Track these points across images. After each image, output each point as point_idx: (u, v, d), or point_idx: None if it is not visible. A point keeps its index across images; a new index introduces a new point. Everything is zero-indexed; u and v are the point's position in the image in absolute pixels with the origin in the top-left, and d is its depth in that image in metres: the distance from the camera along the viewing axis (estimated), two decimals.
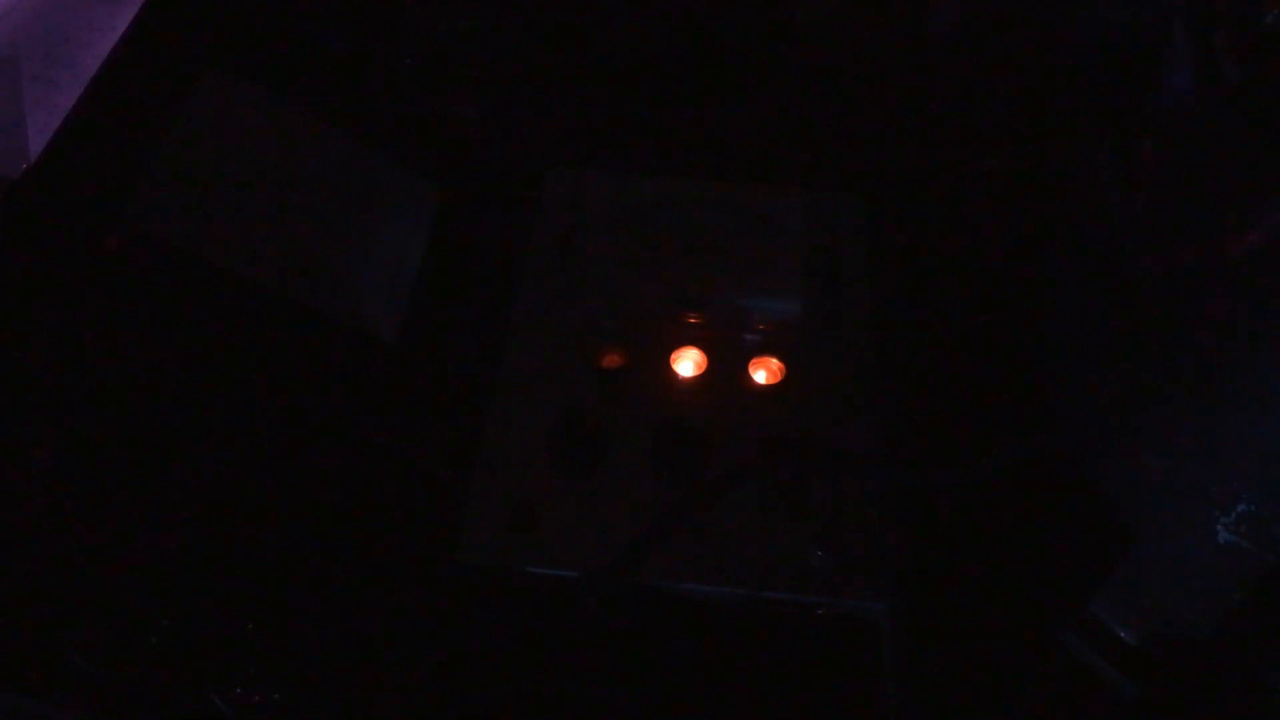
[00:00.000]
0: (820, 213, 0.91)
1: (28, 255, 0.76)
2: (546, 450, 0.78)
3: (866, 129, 1.00)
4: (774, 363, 0.83)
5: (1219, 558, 0.69)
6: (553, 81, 1.03)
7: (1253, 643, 0.70)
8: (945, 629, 0.74)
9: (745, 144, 0.99)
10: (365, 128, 0.93)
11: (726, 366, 0.83)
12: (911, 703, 0.70)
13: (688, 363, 0.84)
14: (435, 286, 0.88)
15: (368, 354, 0.83)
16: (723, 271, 0.87)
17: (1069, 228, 0.88)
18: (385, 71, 1.00)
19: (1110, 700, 0.72)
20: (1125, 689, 0.72)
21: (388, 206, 0.90)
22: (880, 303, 0.87)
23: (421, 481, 0.79)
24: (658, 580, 0.73)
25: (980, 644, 0.74)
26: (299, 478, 0.76)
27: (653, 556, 0.74)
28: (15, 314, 0.74)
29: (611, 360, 0.84)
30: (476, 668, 0.72)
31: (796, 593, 0.73)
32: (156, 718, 0.67)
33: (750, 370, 0.83)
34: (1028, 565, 0.76)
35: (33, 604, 0.67)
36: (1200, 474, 0.70)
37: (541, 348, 0.84)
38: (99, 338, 0.75)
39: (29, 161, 0.78)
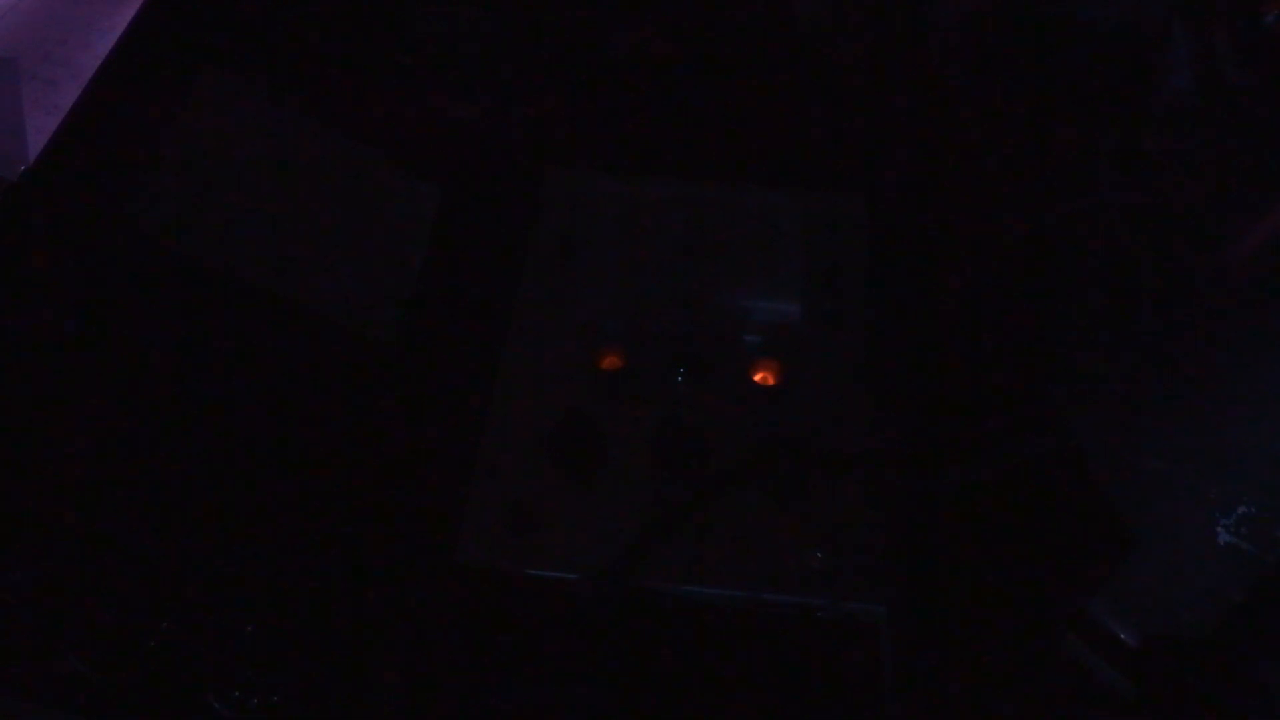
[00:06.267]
0: (820, 213, 0.91)
1: (28, 255, 0.76)
2: (546, 451, 0.78)
3: (866, 129, 1.00)
4: (774, 363, 0.83)
5: (1219, 559, 0.69)
6: (553, 81, 1.03)
7: (1253, 643, 0.70)
8: (945, 629, 0.74)
9: (745, 144, 0.99)
10: (365, 128, 0.93)
11: (726, 367, 0.83)
12: (911, 703, 0.70)
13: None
14: (435, 286, 0.88)
15: (367, 354, 0.83)
16: (723, 272, 0.87)
17: (1069, 228, 0.88)
18: (385, 71, 1.00)
19: (1110, 700, 0.72)
20: (1125, 689, 0.72)
21: (388, 206, 0.90)
22: (880, 303, 0.87)
23: (420, 482, 0.79)
24: (658, 582, 0.73)
25: (980, 644, 0.74)
26: (298, 478, 0.76)
27: (652, 558, 0.74)
28: (15, 314, 0.74)
29: (611, 360, 0.84)
30: (476, 668, 0.72)
31: (796, 594, 0.73)
32: None
33: (750, 370, 0.83)
34: (1028, 565, 0.76)
35: (32, 607, 0.67)
36: (1200, 475, 0.70)
37: (541, 348, 0.84)
38: (98, 338, 0.75)
39: (28, 163, 0.78)
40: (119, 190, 0.79)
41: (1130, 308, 0.77)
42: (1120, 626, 0.72)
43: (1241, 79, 0.78)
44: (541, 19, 1.06)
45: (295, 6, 0.97)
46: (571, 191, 0.93)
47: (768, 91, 1.03)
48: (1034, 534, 0.77)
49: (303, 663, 0.70)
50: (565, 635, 0.72)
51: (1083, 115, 0.96)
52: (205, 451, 0.75)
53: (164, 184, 0.81)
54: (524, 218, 0.92)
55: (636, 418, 0.80)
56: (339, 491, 0.77)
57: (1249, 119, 0.78)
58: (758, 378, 0.83)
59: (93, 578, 0.69)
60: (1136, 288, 0.77)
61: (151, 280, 0.78)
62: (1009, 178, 0.96)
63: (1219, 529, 0.68)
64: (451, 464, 0.79)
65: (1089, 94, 0.97)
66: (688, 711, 0.70)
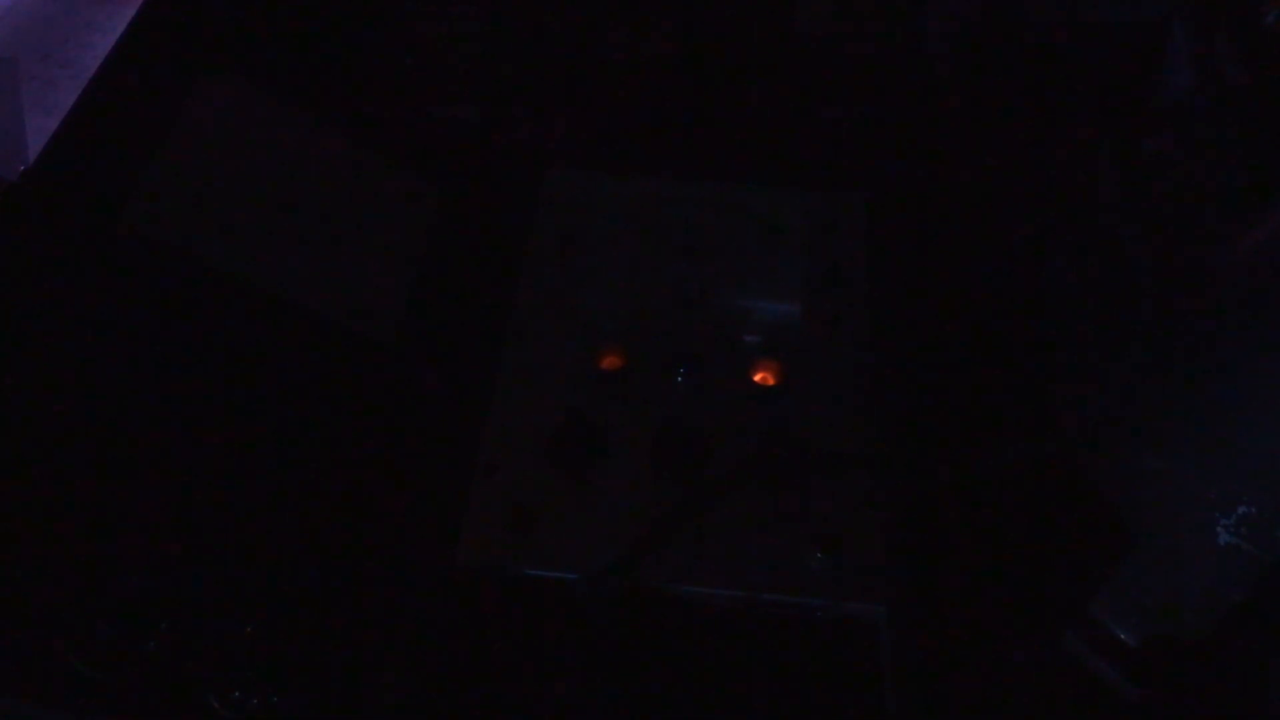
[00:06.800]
0: (820, 213, 0.91)
1: (27, 256, 0.76)
2: (546, 451, 0.78)
3: (866, 129, 1.00)
4: (774, 363, 0.83)
5: (1219, 559, 0.69)
6: (553, 81, 1.03)
7: (1253, 643, 0.70)
8: (945, 629, 0.74)
9: (745, 144, 0.99)
10: (365, 128, 0.93)
11: (726, 367, 0.83)
12: (911, 703, 0.70)
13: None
14: (435, 286, 0.88)
15: (366, 354, 0.83)
16: (723, 272, 0.87)
17: (1069, 228, 0.88)
18: (385, 72, 1.00)
19: (1110, 700, 0.72)
20: (1125, 689, 0.72)
21: (388, 207, 0.90)
22: (880, 303, 0.87)
23: (420, 482, 0.79)
24: (658, 582, 0.73)
25: (980, 643, 0.74)
26: (298, 479, 0.76)
27: (653, 558, 0.74)
28: (15, 314, 0.74)
29: (611, 360, 0.84)
30: (476, 668, 0.72)
31: (796, 594, 0.73)
32: None
33: (750, 370, 0.83)
34: (1028, 565, 0.76)
35: (32, 608, 0.67)
36: (1200, 475, 0.70)
37: (541, 348, 0.84)
38: (98, 339, 0.75)
39: (28, 163, 0.78)
40: (119, 190, 0.79)
41: (1130, 308, 0.77)
42: (1120, 626, 0.72)
43: (1241, 79, 0.78)
44: (541, 19, 1.06)
45: (295, 8, 0.97)
46: (571, 191, 0.93)
47: (767, 92, 1.03)
48: (1034, 534, 0.77)
49: (303, 663, 0.70)
50: (565, 635, 0.72)
51: (1083, 115, 0.96)
52: (205, 452, 0.75)
53: (165, 185, 0.81)
54: (524, 218, 0.92)
55: (636, 418, 0.80)
56: (339, 492, 0.77)
57: (1249, 119, 0.78)
58: (758, 378, 0.83)
59: (93, 578, 0.69)
60: (1136, 288, 0.77)
61: (151, 280, 0.78)
62: (1009, 178, 0.96)
63: (1219, 529, 0.68)
64: (451, 464, 0.79)
65: (1089, 94, 0.97)
66: (688, 711, 0.70)
